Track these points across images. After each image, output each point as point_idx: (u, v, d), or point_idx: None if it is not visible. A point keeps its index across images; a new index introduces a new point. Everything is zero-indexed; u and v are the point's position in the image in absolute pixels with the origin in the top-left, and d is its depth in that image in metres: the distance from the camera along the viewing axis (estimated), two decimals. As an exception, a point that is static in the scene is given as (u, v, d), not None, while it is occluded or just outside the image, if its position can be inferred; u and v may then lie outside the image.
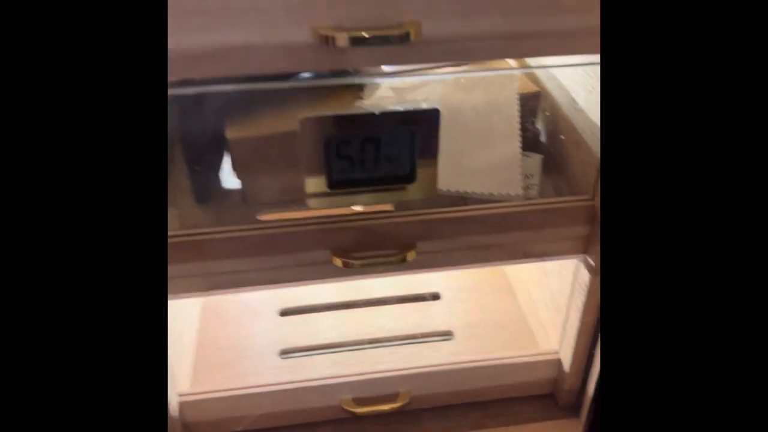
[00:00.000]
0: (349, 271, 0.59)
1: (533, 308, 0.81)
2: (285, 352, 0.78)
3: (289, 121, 0.54)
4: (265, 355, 0.78)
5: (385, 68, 0.61)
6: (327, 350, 0.78)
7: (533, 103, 0.66)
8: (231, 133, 0.61)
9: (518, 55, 0.50)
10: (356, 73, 0.57)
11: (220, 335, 0.81)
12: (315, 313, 0.84)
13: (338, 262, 0.58)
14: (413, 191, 0.57)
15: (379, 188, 0.56)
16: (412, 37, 0.46)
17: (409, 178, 0.56)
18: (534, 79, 0.71)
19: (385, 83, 0.64)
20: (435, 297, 0.87)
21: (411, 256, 0.58)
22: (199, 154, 0.66)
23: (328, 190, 0.55)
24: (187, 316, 0.78)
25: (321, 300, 0.86)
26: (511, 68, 0.66)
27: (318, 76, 0.55)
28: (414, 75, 0.63)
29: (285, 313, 0.84)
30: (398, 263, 0.58)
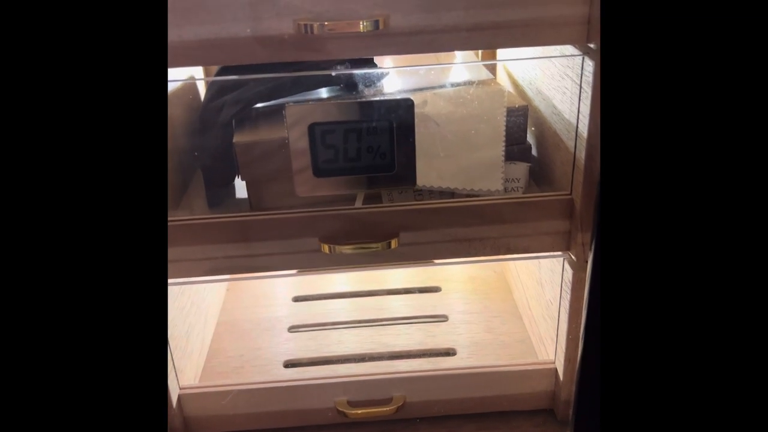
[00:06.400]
0: (336, 260, 0.63)
1: (536, 328, 0.81)
2: (291, 365, 0.81)
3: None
4: (271, 366, 0.81)
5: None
6: (330, 363, 0.81)
7: (521, 115, 0.71)
8: (238, 138, 0.67)
9: (481, 46, 0.55)
10: (343, 67, 0.63)
11: (232, 346, 0.84)
12: (326, 328, 0.87)
13: (326, 248, 0.62)
14: (393, 181, 0.61)
15: (362, 178, 0.61)
16: (381, 26, 0.52)
17: (390, 167, 0.60)
18: (523, 95, 0.75)
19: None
20: (442, 318, 0.88)
21: (394, 244, 0.62)
22: (213, 163, 0.73)
23: (314, 178, 0.60)
24: (199, 319, 0.82)
25: (333, 316, 0.89)
26: (478, 62, 0.71)
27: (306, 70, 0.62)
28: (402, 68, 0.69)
29: (294, 329, 0.87)
30: (383, 251, 0.62)
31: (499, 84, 0.72)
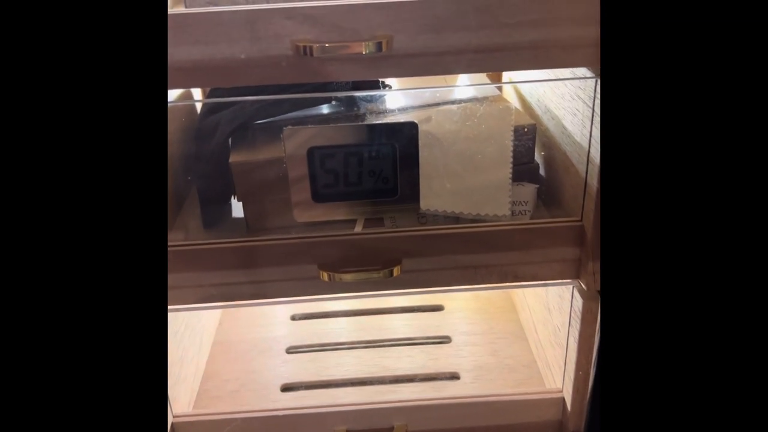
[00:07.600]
0: (336, 287, 0.60)
1: (542, 352, 0.79)
2: (288, 388, 0.78)
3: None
4: (268, 391, 0.78)
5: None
6: (329, 387, 0.78)
7: (529, 134, 0.68)
8: (234, 158, 0.65)
9: (488, 69, 0.52)
10: (345, 89, 0.60)
11: (227, 369, 0.82)
12: (325, 349, 0.85)
13: (325, 276, 0.59)
14: (396, 206, 0.58)
15: (364, 202, 0.58)
16: (384, 48, 0.50)
17: (392, 192, 0.58)
18: (531, 112, 0.73)
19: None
20: (446, 339, 0.86)
21: (397, 271, 0.59)
22: (208, 182, 0.70)
23: (313, 203, 0.58)
24: (194, 342, 0.80)
25: (333, 336, 0.87)
26: (487, 83, 0.68)
27: (306, 92, 0.59)
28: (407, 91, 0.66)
29: (292, 350, 0.85)
30: (384, 278, 0.59)
31: (506, 101, 0.69)
